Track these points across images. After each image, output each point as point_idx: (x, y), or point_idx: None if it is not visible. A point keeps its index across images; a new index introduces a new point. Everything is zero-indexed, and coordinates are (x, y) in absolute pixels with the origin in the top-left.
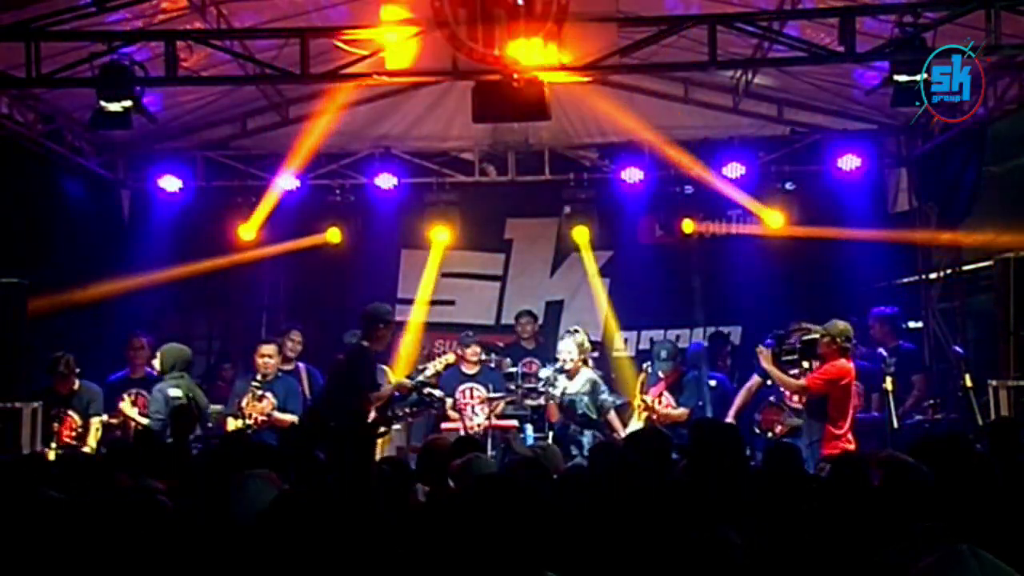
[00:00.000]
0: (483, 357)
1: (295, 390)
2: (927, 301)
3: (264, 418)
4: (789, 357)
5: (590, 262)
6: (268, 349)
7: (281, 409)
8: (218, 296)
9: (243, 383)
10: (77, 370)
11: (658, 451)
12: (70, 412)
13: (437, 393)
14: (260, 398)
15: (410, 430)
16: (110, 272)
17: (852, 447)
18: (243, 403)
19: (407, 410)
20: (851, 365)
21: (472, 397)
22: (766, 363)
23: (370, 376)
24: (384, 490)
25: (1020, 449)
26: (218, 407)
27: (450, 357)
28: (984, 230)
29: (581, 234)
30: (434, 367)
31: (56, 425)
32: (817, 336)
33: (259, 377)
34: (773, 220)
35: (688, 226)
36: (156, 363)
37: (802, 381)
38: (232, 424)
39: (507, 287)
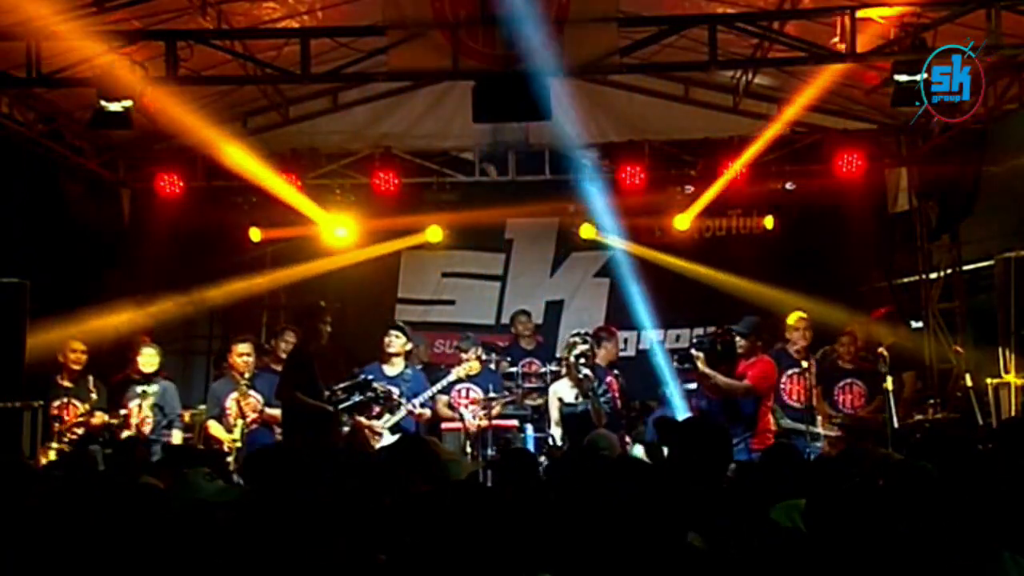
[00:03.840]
0: (483, 358)
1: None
2: (927, 301)
3: (255, 415)
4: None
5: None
6: (244, 348)
7: (267, 405)
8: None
9: (222, 385)
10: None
11: None
12: (75, 401)
13: (393, 390)
14: (245, 397)
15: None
16: (110, 272)
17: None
18: (240, 404)
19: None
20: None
21: (467, 397)
22: (703, 367)
23: (305, 376)
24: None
25: None
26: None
27: (475, 365)
28: (984, 230)
29: (589, 230)
30: (457, 374)
31: (57, 423)
32: (734, 338)
33: (243, 379)
34: (772, 220)
35: (685, 221)
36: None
37: (746, 383)
38: (214, 427)
39: (507, 287)
